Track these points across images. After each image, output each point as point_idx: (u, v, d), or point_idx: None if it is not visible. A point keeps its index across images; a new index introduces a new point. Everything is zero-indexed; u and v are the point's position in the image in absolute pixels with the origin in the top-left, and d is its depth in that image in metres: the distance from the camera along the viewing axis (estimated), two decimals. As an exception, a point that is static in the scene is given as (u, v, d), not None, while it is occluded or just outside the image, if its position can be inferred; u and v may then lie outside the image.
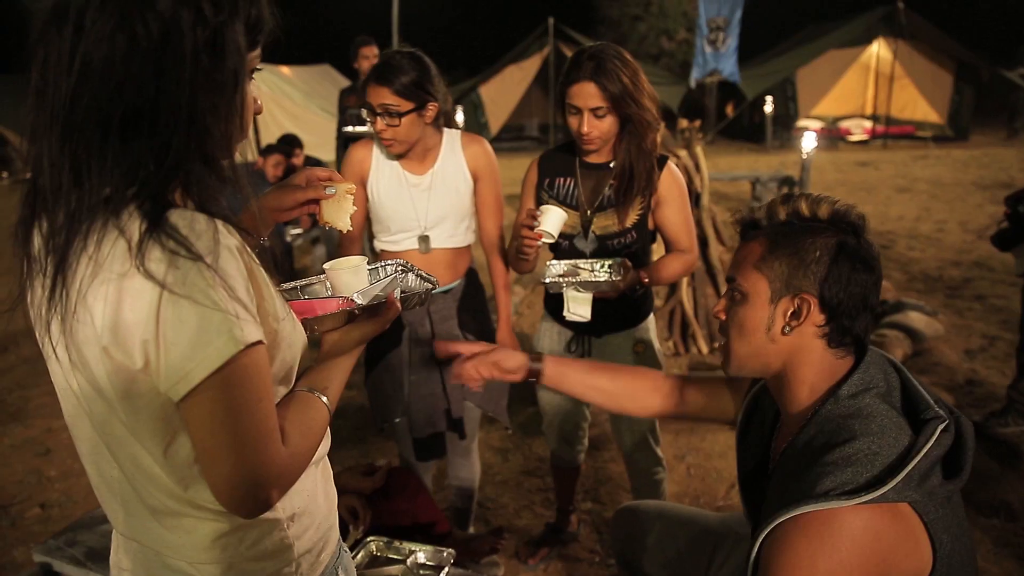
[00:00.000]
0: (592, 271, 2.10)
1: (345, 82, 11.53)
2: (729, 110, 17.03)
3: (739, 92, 15.46)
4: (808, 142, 6.29)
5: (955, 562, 1.07)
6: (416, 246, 2.21)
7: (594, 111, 1.97)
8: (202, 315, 0.79)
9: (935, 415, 1.12)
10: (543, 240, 2.00)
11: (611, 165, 2.10)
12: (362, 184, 2.22)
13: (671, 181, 2.09)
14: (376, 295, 1.14)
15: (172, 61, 0.80)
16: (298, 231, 6.00)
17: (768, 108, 15.30)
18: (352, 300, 1.12)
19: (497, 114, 16.97)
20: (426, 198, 2.19)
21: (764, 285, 1.23)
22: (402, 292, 1.23)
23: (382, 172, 2.20)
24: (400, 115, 2.04)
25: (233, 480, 0.83)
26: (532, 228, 1.99)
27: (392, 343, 2.27)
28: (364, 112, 2.10)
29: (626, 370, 1.68)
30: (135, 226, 0.80)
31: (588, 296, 2.12)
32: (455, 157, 2.21)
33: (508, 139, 18.95)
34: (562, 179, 2.17)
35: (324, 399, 1.02)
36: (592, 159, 2.13)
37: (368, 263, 1.29)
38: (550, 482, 3.13)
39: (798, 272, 1.20)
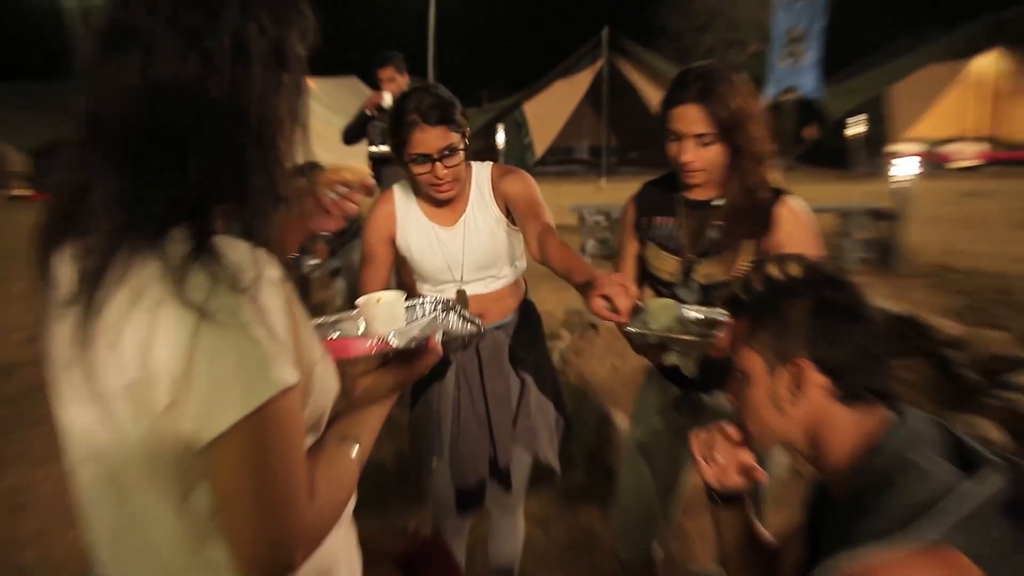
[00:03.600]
0: (693, 325, 1.89)
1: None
2: (809, 132, 16.96)
3: (821, 112, 15.38)
4: (907, 168, 6.20)
5: None
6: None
7: (698, 138, 1.96)
8: (240, 351, 0.82)
9: (987, 459, 1.13)
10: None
11: (717, 203, 2.07)
12: (391, 242, 2.28)
13: (791, 219, 2.02)
14: (414, 337, 1.14)
15: (244, 75, 0.86)
16: (315, 261, 6.08)
17: (856, 129, 15.17)
18: (387, 342, 1.12)
19: (543, 134, 17.20)
20: (460, 251, 2.23)
21: (758, 360, 1.32)
22: (444, 335, 1.23)
23: (410, 227, 2.26)
24: (463, 150, 2.11)
25: (257, 537, 0.84)
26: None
27: (437, 381, 2.31)
28: (412, 162, 2.10)
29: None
30: (177, 250, 0.83)
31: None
32: (484, 199, 2.25)
33: (554, 162, 19.14)
34: (662, 218, 2.15)
35: (356, 450, 1.03)
36: (696, 195, 2.10)
37: (405, 299, 1.29)
38: (600, 560, 3.05)
39: (785, 339, 1.28)
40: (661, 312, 1.93)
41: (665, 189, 2.17)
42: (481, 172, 2.27)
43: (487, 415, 2.29)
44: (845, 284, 1.29)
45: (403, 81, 5.28)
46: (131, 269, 0.84)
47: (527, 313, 2.37)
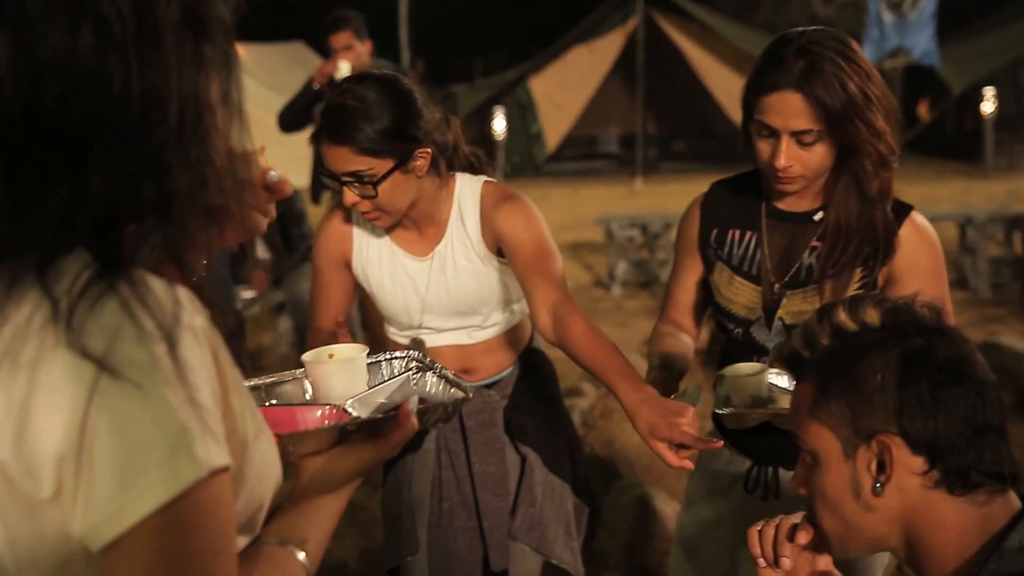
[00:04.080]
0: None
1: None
2: (922, 110, 17.05)
3: (938, 83, 15.47)
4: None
5: None
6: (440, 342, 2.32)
7: (798, 136, 1.95)
8: (154, 419, 0.81)
9: None
10: None
11: (817, 217, 2.10)
12: (345, 266, 2.33)
13: (918, 245, 2.05)
14: (381, 404, 1.19)
15: (154, 49, 0.88)
16: (251, 294, 6.14)
17: (987, 107, 15.21)
18: (345, 411, 1.17)
19: (556, 120, 17.26)
20: (423, 293, 2.28)
21: (830, 437, 1.34)
22: (420, 402, 1.28)
23: (370, 252, 2.31)
24: (376, 182, 2.10)
25: None
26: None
27: (412, 455, 2.35)
28: (326, 180, 2.20)
29: None
30: (68, 284, 0.83)
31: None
32: (467, 228, 2.27)
33: (573, 157, 19.23)
34: (738, 232, 2.18)
35: (301, 557, 1.05)
36: (788, 204, 2.13)
37: (368, 353, 1.36)
38: None
39: (863, 409, 1.29)
40: (745, 382, 1.99)
41: (743, 194, 2.20)
42: (467, 190, 2.29)
43: (476, 503, 2.33)
44: (943, 333, 1.31)
45: (363, 50, 5.35)
46: (5, 307, 0.84)
47: (532, 365, 2.40)
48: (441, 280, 2.27)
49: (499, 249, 2.26)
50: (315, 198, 5.76)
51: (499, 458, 2.34)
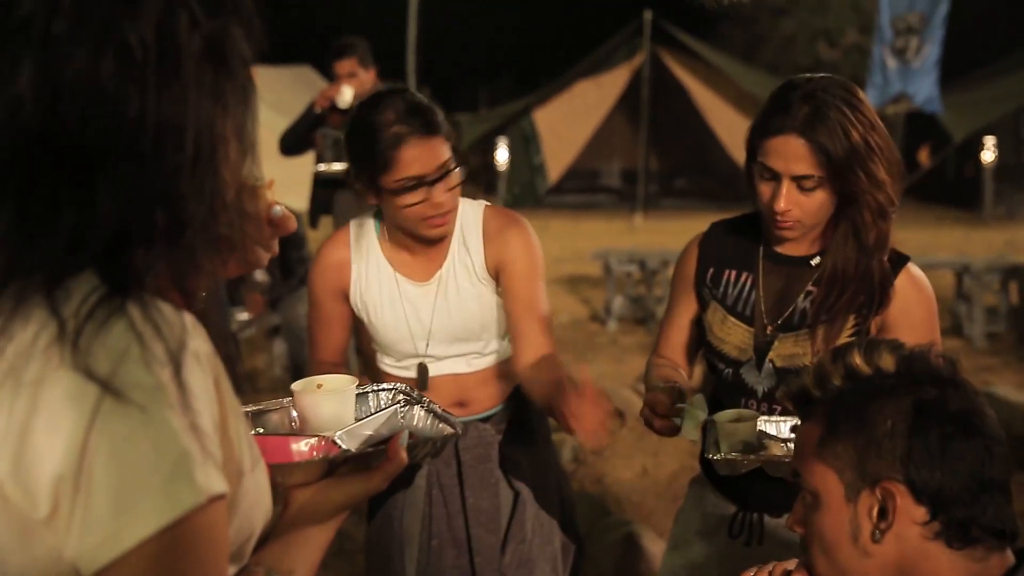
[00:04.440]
0: (786, 442, 2.03)
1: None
2: (923, 157, 17.14)
3: (940, 130, 15.56)
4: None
5: None
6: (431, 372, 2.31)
7: (799, 181, 1.97)
8: (156, 442, 0.81)
9: None
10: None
11: (814, 262, 2.12)
12: (343, 298, 2.32)
13: (913, 295, 2.08)
14: (368, 436, 1.19)
15: (174, 78, 0.89)
16: (247, 316, 6.14)
17: (988, 156, 15.31)
18: (334, 443, 1.17)
19: (559, 152, 17.34)
20: (428, 318, 2.28)
21: (833, 479, 1.33)
22: (409, 436, 1.28)
23: (369, 281, 2.31)
24: (455, 170, 2.15)
25: None
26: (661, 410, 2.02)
27: (402, 489, 2.33)
28: (398, 192, 2.14)
29: None
30: (74, 306, 0.84)
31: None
32: (470, 251, 2.29)
33: (574, 190, 19.30)
34: (734, 273, 2.20)
35: None
36: (784, 248, 2.15)
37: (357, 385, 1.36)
38: None
39: (869, 453, 1.29)
40: (737, 428, 2.01)
41: (742, 235, 2.22)
42: (469, 214, 2.31)
43: (467, 538, 2.31)
44: (957, 385, 1.30)
45: (368, 79, 5.37)
46: (11, 326, 0.84)
47: (525, 400, 2.37)
48: (444, 304, 2.27)
49: (494, 270, 2.27)
50: (313, 223, 5.77)
51: (493, 493, 2.32)
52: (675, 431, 2.02)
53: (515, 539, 2.33)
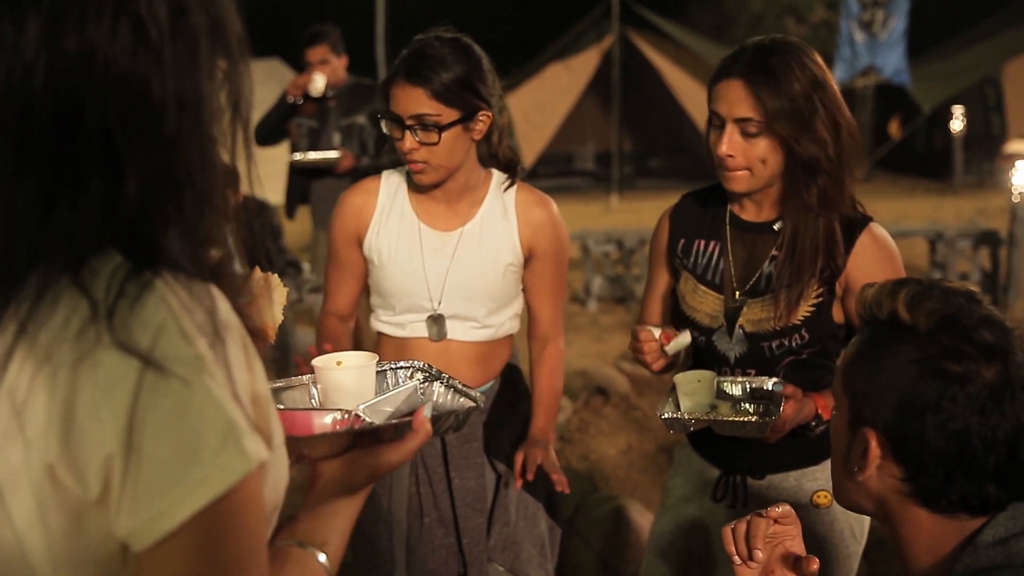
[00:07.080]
0: (739, 402, 2.10)
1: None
2: (893, 128, 17.23)
3: (909, 101, 15.65)
4: None
5: None
6: (426, 332, 2.30)
7: (742, 125, 2.01)
8: (201, 414, 0.81)
9: None
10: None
11: (776, 226, 2.15)
12: (358, 244, 2.33)
13: (875, 255, 2.10)
14: (389, 412, 1.21)
15: (187, 53, 0.90)
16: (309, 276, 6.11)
17: (957, 126, 15.43)
18: (358, 416, 1.19)
19: (532, 136, 17.31)
20: (445, 267, 2.28)
21: (844, 401, 1.38)
22: (433, 410, 1.30)
23: (389, 224, 2.31)
24: (440, 128, 2.15)
25: None
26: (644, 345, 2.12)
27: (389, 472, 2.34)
28: (385, 125, 2.23)
29: None
30: (103, 284, 0.83)
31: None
32: (504, 219, 2.31)
33: (549, 174, 19.26)
34: (703, 242, 2.23)
35: (323, 559, 1.08)
36: (749, 214, 2.18)
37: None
38: None
39: (869, 396, 1.32)
40: (696, 388, 2.07)
41: (710, 205, 2.25)
42: (503, 184, 2.34)
43: (455, 519, 2.32)
44: (979, 373, 1.24)
45: (339, 65, 5.39)
46: (38, 311, 0.84)
47: (510, 380, 2.40)
48: (463, 258, 2.28)
49: (526, 249, 2.33)
50: (290, 213, 5.76)
51: (479, 472, 2.34)
52: (665, 357, 2.12)
53: (499, 522, 2.35)
